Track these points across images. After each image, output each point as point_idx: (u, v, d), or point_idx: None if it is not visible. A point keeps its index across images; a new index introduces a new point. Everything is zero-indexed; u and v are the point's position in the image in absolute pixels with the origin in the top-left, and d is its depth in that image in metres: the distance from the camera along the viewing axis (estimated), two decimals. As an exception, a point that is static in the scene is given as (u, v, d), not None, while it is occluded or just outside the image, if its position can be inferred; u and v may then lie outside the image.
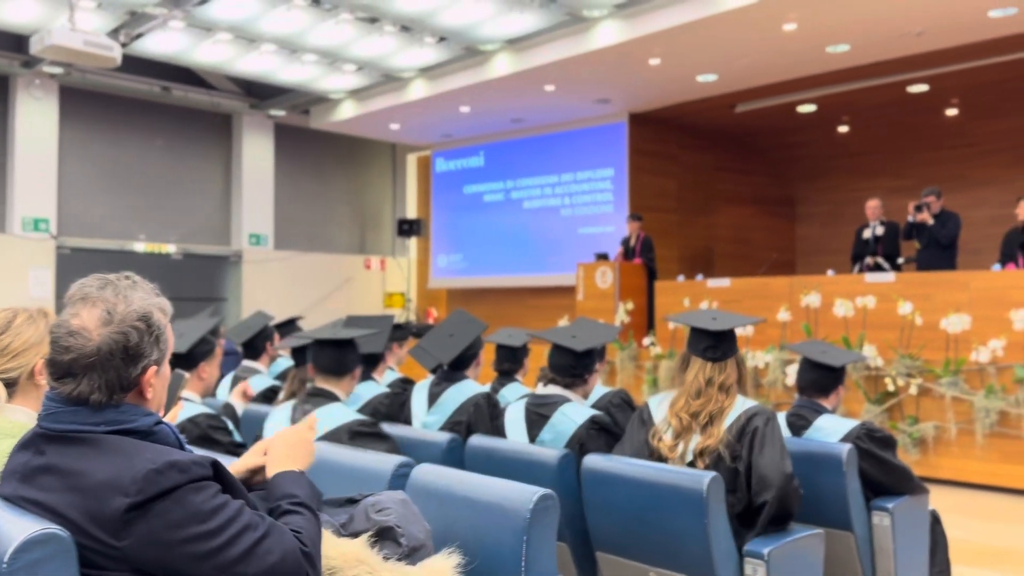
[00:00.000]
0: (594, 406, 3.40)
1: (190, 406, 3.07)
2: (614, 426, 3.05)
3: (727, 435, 2.65)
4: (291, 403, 3.15)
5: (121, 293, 1.52)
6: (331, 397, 3.03)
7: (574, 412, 3.05)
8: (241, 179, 12.73)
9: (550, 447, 3.02)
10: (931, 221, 7.86)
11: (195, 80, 11.88)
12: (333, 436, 2.81)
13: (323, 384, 3.09)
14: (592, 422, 3.00)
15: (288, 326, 5.15)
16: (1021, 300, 6.19)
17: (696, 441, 2.68)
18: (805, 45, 8.27)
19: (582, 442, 2.96)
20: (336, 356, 3.10)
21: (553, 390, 3.16)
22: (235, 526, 1.44)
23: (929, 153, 11.46)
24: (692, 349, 2.83)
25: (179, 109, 12.25)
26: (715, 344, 2.79)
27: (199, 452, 1.57)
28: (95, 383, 1.47)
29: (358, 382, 3.36)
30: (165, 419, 2.07)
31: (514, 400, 3.91)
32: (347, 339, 3.11)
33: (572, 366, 3.14)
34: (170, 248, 12.21)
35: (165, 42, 9.28)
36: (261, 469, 1.79)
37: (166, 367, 1.60)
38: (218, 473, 1.50)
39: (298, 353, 3.43)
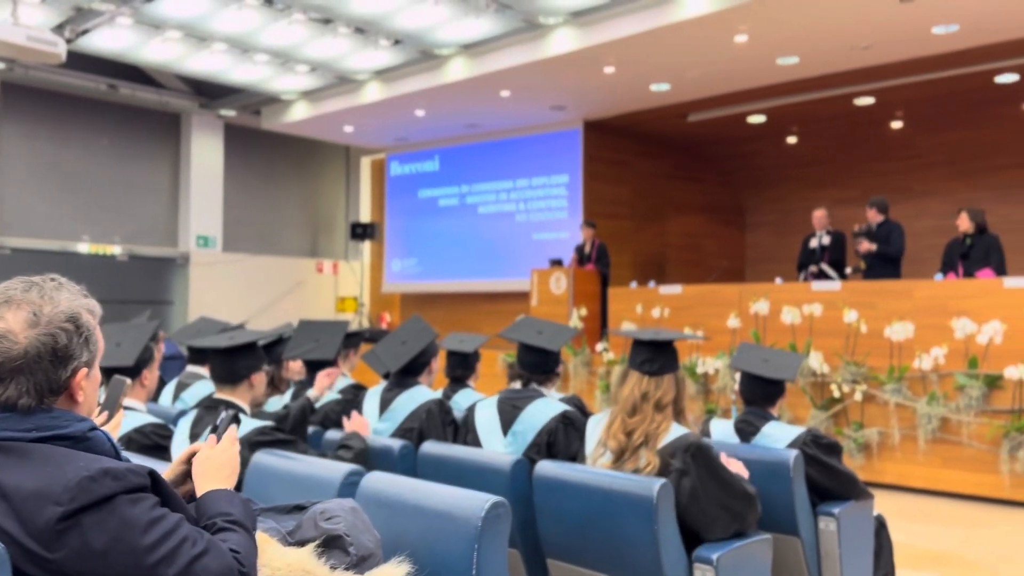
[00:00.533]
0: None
1: (135, 415, 2.97)
2: (582, 425, 3.08)
3: (658, 461, 2.59)
4: (192, 413, 2.98)
5: (47, 295, 1.47)
6: (229, 407, 2.80)
7: (547, 406, 3.13)
8: (189, 180, 12.50)
9: (522, 438, 3.05)
10: (873, 248, 8.05)
11: (143, 78, 11.65)
12: None
13: (220, 394, 2.92)
14: (564, 416, 3.06)
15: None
16: (962, 309, 6.37)
17: (639, 463, 2.62)
18: (756, 56, 8.42)
19: (552, 434, 3.00)
20: (226, 363, 2.89)
21: (526, 386, 3.23)
22: (173, 540, 1.40)
23: (875, 164, 11.75)
24: (630, 362, 2.79)
25: (126, 108, 11.99)
26: (652, 357, 2.74)
27: (138, 461, 1.53)
28: (23, 387, 1.42)
29: (266, 388, 3.30)
30: (108, 428, 2.01)
31: (468, 404, 3.92)
32: (235, 346, 2.88)
33: (544, 363, 3.24)
34: (115, 249, 11.94)
35: (112, 39, 9.08)
36: (187, 479, 1.74)
37: (96, 370, 1.55)
38: (155, 483, 1.45)
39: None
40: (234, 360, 2.89)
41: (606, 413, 2.81)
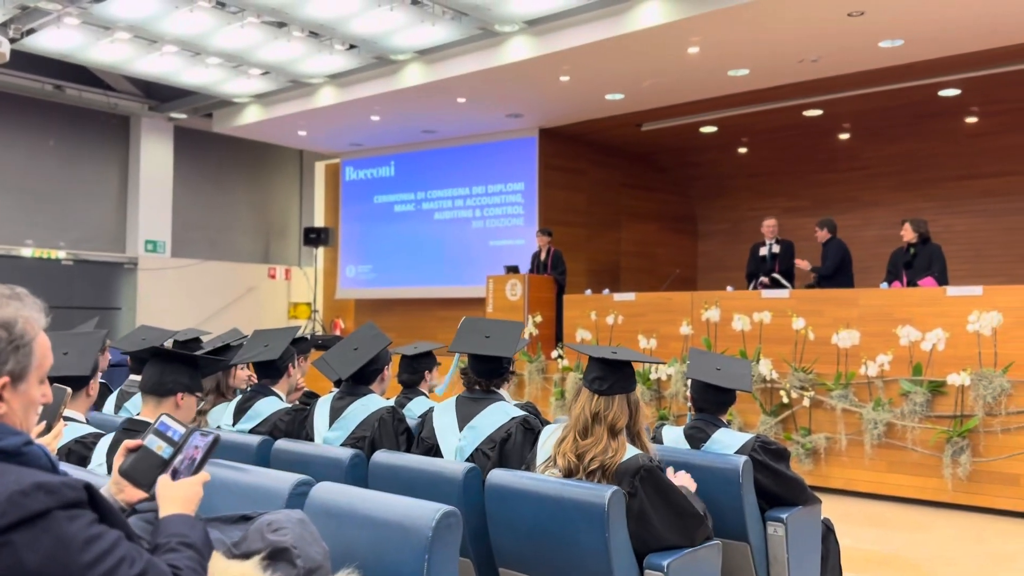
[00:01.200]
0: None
1: (76, 426, 2.86)
2: (540, 433, 3.08)
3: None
4: (109, 438, 2.70)
5: None
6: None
7: (507, 408, 3.14)
8: (138, 183, 12.25)
9: (478, 433, 3.05)
10: (808, 267, 8.55)
11: (91, 79, 11.39)
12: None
13: (144, 413, 2.63)
14: (524, 421, 3.08)
15: (193, 343, 4.92)
16: (906, 317, 6.52)
17: None
18: (708, 68, 8.54)
19: (509, 434, 3.02)
20: (158, 373, 2.62)
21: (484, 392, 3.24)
22: (110, 560, 1.35)
23: (822, 175, 11.99)
24: (584, 379, 2.74)
25: (73, 109, 11.72)
26: (603, 376, 2.66)
27: (79, 474, 1.48)
28: None
29: (212, 396, 3.22)
30: (47, 439, 1.94)
31: (421, 412, 3.89)
32: (174, 353, 2.62)
33: (496, 368, 3.23)
34: (60, 254, 11.64)
35: (59, 39, 8.86)
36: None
37: (32, 385, 1.48)
38: (92, 497, 1.40)
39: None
40: (164, 373, 2.61)
41: (560, 425, 2.77)
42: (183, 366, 2.65)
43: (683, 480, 2.79)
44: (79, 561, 1.32)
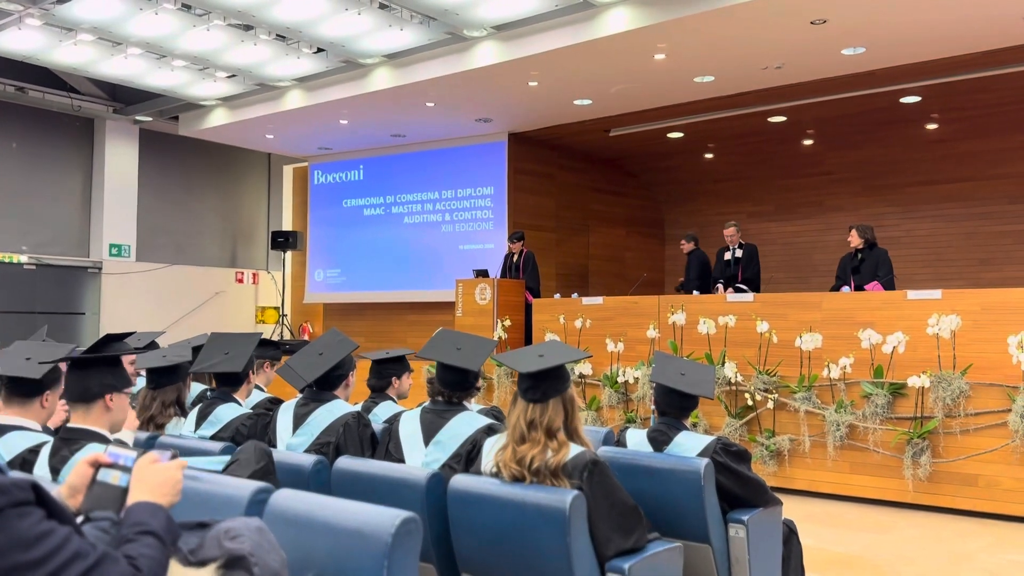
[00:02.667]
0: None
1: (28, 435, 2.74)
2: None
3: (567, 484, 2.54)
4: (49, 444, 2.57)
5: None
6: (91, 436, 2.48)
7: (472, 419, 3.12)
8: (103, 186, 12.08)
9: (444, 448, 3.03)
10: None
11: (54, 81, 11.22)
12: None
13: (76, 420, 2.51)
14: (490, 428, 3.06)
15: (151, 347, 4.86)
16: (868, 320, 6.62)
17: None
18: (674, 74, 8.61)
19: (476, 445, 3.00)
20: (80, 380, 2.50)
21: (448, 402, 3.22)
22: (62, 555, 1.34)
23: (787, 180, 12.14)
24: (517, 388, 2.72)
25: (36, 111, 11.53)
26: (534, 385, 2.65)
27: (19, 476, 1.46)
28: None
29: (170, 409, 3.17)
30: None
31: (388, 417, 3.87)
32: (86, 359, 2.51)
33: (463, 380, 3.22)
34: (22, 258, 11.44)
35: (20, 40, 8.72)
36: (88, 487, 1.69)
37: None
38: (40, 497, 1.39)
39: (154, 374, 3.25)
40: (87, 376, 2.48)
41: (502, 436, 2.75)
42: (104, 367, 2.52)
43: None
44: (29, 557, 1.31)
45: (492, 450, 2.76)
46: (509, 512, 2.55)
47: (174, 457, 1.77)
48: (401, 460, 3.13)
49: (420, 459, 3.08)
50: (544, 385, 2.65)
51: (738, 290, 8.68)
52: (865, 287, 7.51)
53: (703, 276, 9.66)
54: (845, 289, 7.76)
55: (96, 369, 2.52)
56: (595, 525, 2.53)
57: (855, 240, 8.10)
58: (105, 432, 2.55)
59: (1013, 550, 5.26)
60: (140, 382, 4.37)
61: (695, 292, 8.94)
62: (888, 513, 6.20)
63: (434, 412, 3.16)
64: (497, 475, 2.66)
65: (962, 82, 8.75)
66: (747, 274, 9.01)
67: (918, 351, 6.29)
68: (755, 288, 8.87)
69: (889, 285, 7.68)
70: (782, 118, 10.37)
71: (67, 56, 9.20)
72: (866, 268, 7.97)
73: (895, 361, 6.36)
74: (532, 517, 2.50)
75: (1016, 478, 5.87)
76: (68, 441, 2.50)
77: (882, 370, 6.41)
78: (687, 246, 10.01)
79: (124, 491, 1.70)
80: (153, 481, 1.67)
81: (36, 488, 1.38)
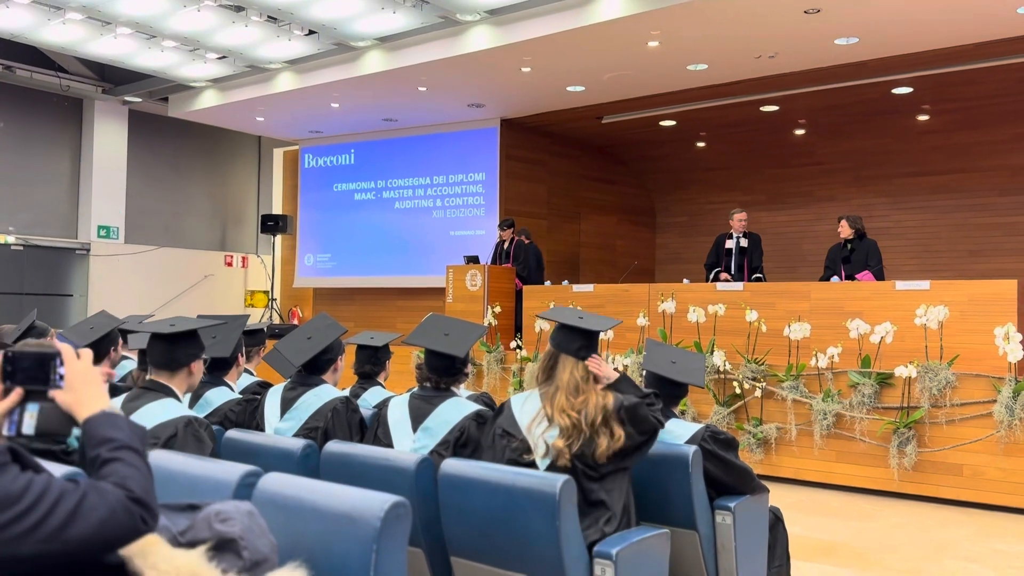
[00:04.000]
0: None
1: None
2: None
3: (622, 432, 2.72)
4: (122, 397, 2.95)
5: None
6: (165, 391, 2.88)
7: (460, 405, 3.13)
8: (91, 167, 11.98)
9: (432, 435, 3.03)
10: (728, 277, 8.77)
11: (43, 60, 11.10)
12: (162, 429, 2.70)
13: (156, 377, 2.94)
14: (478, 415, 3.06)
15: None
16: (856, 310, 6.66)
17: (595, 444, 2.68)
18: (668, 62, 8.59)
19: (464, 431, 3.00)
20: (166, 350, 2.92)
21: (436, 388, 3.22)
22: (49, 497, 1.37)
23: (778, 170, 12.16)
24: (561, 347, 2.88)
25: (24, 90, 11.41)
26: (587, 344, 2.86)
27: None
28: None
29: (203, 384, 3.21)
30: None
31: (377, 403, 3.87)
32: (176, 333, 2.94)
33: (451, 367, 3.22)
34: (10, 239, 11.35)
35: (8, 18, 8.62)
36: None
37: None
38: (15, 456, 1.43)
39: (144, 355, 3.23)
40: (175, 348, 2.92)
41: (533, 393, 2.90)
42: (189, 339, 2.98)
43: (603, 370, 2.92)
44: (19, 509, 1.35)
45: (527, 404, 2.86)
46: (499, 497, 2.56)
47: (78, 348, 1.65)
48: (390, 446, 3.13)
49: (408, 445, 3.09)
50: (592, 343, 2.89)
51: (754, 280, 8.59)
52: (856, 276, 7.55)
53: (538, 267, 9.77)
54: (835, 279, 7.80)
55: (184, 342, 2.91)
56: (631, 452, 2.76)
57: (845, 231, 8.13)
58: (179, 393, 2.89)
59: (996, 539, 5.32)
60: (127, 365, 4.35)
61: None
62: (873, 502, 6.25)
63: (422, 398, 3.16)
64: (542, 424, 2.78)
65: (954, 74, 8.78)
66: (757, 262, 8.95)
67: (906, 341, 6.34)
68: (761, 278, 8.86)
69: (879, 275, 7.72)
70: (774, 107, 10.38)
71: (55, 35, 9.11)
72: (856, 258, 8.01)
73: (883, 351, 6.40)
74: (522, 502, 2.51)
75: (1000, 468, 5.93)
76: (147, 391, 2.86)
77: (869, 360, 6.45)
78: (505, 233, 10.05)
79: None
80: (90, 388, 1.58)
81: (12, 450, 1.42)
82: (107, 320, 4.10)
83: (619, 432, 2.70)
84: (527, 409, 2.84)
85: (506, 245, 10.11)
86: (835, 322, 6.67)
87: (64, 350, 1.61)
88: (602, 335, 7.62)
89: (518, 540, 2.55)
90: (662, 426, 2.85)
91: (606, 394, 2.79)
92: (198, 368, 2.96)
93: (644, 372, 3.46)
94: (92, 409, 1.57)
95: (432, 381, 3.21)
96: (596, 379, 2.83)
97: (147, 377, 2.95)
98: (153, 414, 2.74)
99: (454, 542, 2.76)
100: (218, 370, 3.66)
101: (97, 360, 4.02)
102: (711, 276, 9.03)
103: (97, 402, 1.58)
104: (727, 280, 8.69)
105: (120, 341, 4.07)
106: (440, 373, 3.20)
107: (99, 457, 1.51)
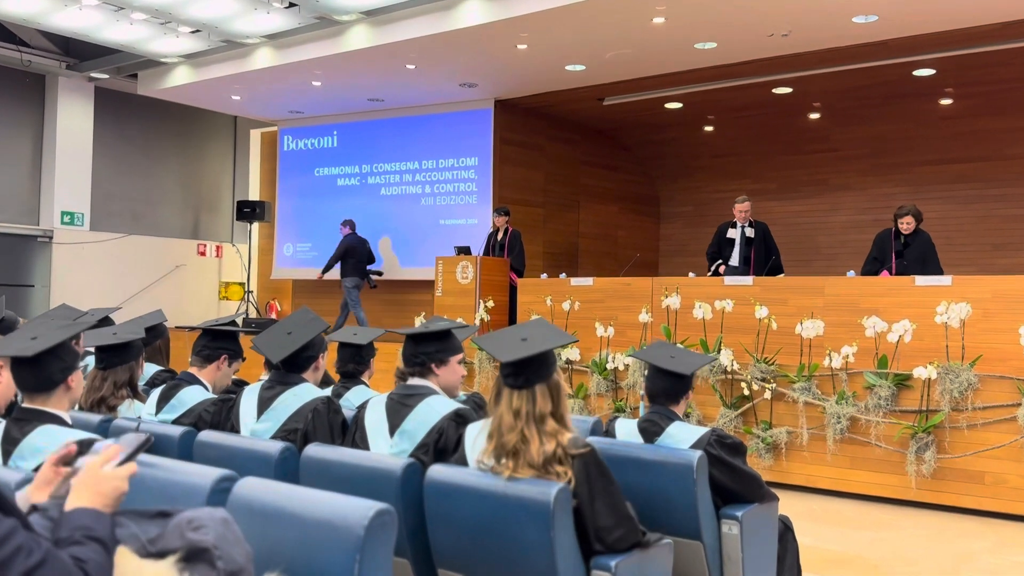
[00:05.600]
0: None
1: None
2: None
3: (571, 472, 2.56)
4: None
5: None
6: (43, 418, 2.55)
7: (439, 403, 3.10)
8: (54, 149, 11.94)
9: (410, 438, 3.03)
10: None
11: (2, 33, 11.03)
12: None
13: (31, 403, 2.58)
14: (456, 414, 3.03)
15: (103, 324, 4.82)
16: (873, 307, 6.67)
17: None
18: (674, 40, 8.59)
19: (443, 433, 2.99)
20: (34, 372, 2.54)
21: (418, 381, 3.19)
22: (6, 549, 1.37)
23: (790, 156, 12.17)
24: (500, 376, 2.72)
25: (-19, 65, 11.36)
26: (518, 372, 2.65)
27: None
28: None
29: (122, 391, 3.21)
30: None
31: (361, 403, 3.87)
32: (38, 355, 2.52)
33: (431, 351, 3.19)
34: (-35, 225, 11.32)
35: (-36, -14, 8.57)
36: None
37: None
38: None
39: (105, 353, 3.23)
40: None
41: (485, 424, 2.75)
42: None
43: None
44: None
45: (475, 441, 2.77)
46: (490, 505, 2.57)
47: (148, 440, 1.80)
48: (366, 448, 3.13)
49: (385, 450, 3.08)
50: (528, 371, 2.65)
51: (772, 273, 8.46)
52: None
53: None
54: (885, 273, 7.64)
55: (51, 357, 2.54)
56: (595, 512, 2.55)
57: (910, 227, 7.75)
58: (64, 415, 2.60)
59: (1018, 551, 5.35)
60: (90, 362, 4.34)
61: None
62: (889, 511, 6.28)
63: (399, 399, 3.15)
64: (482, 468, 2.68)
65: (979, 55, 8.78)
66: (774, 253, 8.82)
67: (925, 340, 6.36)
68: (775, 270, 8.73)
69: (938, 271, 7.50)
70: (787, 90, 10.38)
71: (16, 6, 9.05)
72: (911, 254, 7.71)
73: (900, 351, 6.42)
74: (514, 510, 2.51)
75: (1024, 476, 5.97)
76: (19, 421, 2.54)
77: (886, 360, 6.47)
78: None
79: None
80: (98, 489, 1.70)
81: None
82: (59, 329, 4.07)
83: (565, 472, 2.53)
84: (477, 444, 2.75)
85: (500, 236, 10.10)
86: (850, 319, 6.69)
87: (104, 456, 1.76)
88: (601, 332, 7.69)
89: (510, 551, 2.55)
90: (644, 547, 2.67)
91: (556, 433, 2.60)
92: (77, 381, 2.64)
93: (646, 372, 3.46)
94: (84, 503, 1.67)
95: (408, 375, 3.21)
96: (542, 416, 2.60)
97: (20, 404, 2.63)
98: (36, 447, 2.49)
99: (441, 552, 2.77)
100: (194, 367, 3.67)
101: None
102: (712, 268, 9.00)
103: (95, 500, 1.69)
104: (725, 272, 8.64)
105: (81, 335, 4.05)
106: (416, 362, 3.18)
107: (70, 537, 1.57)
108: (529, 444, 2.58)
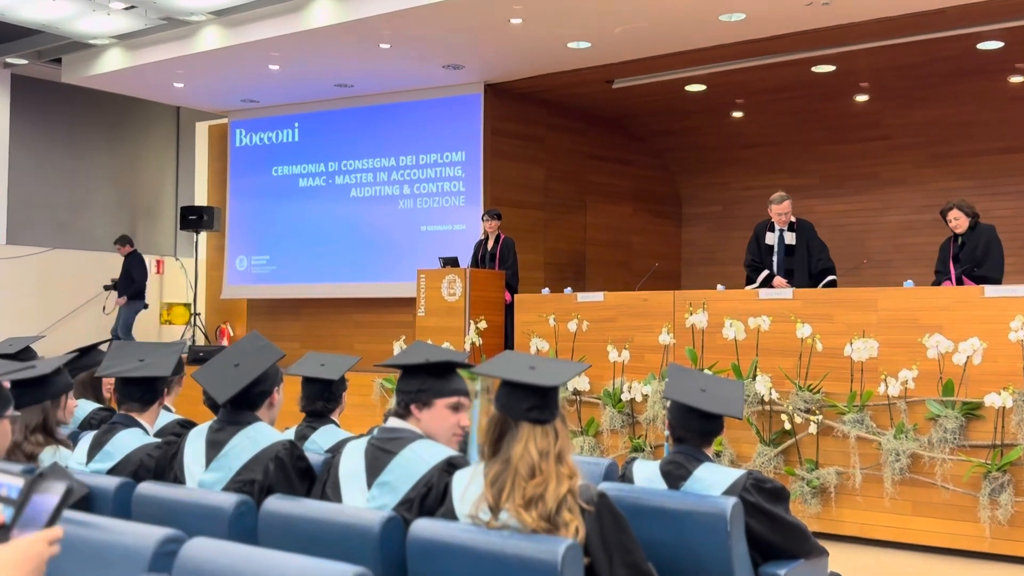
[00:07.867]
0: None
1: None
2: None
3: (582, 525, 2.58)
4: None
5: None
6: None
7: (426, 450, 3.05)
8: (-37, 148, 11.95)
9: (392, 492, 3.01)
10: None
11: (-101, 12, 11.07)
12: None
13: None
14: (449, 464, 3.00)
15: (23, 356, 4.80)
16: (935, 323, 6.66)
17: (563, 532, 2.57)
18: (695, 11, 8.63)
19: (430, 488, 2.96)
20: None
21: (398, 424, 3.15)
22: None
23: (834, 146, 12.22)
24: (511, 411, 2.70)
25: None
26: (543, 404, 2.68)
27: None
28: None
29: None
30: None
31: (331, 445, 3.85)
32: None
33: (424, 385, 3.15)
34: None
35: None
36: None
37: None
38: None
39: (15, 390, 3.21)
40: None
41: (477, 470, 2.75)
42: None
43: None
44: None
45: (466, 491, 2.75)
46: (486, 567, 2.56)
47: (69, 491, 1.78)
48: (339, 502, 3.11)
49: (362, 504, 3.05)
50: (552, 402, 2.70)
51: (821, 283, 8.27)
52: (964, 280, 7.17)
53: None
54: (947, 284, 7.64)
55: None
56: (612, 573, 2.58)
57: (961, 224, 7.75)
58: None
59: (1113, 611, 5.34)
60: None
61: None
62: (959, 564, 6.27)
63: (380, 444, 3.11)
64: (477, 523, 2.66)
65: (1055, 24, 8.84)
66: (824, 264, 8.41)
67: (998, 362, 6.36)
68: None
69: (992, 276, 7.41)
70: (829, 68, 10.43)
71: (-83, -20, 9.10)
72: (966, 255, 7.72)
73: (969, 375, 6.42)
74: (514, 573, 2.51)
75: (1118, 521, 5.96)
76: None
77: (952, 386, 6.47)
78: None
79: (6, 528, 1.74)
80: (15, 559, 1.70)
81: None
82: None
83: (574, 522, 2.56)
84: (468, 496, 2.74)
85: (490, 244, 10.12)
86: (909, 338, 6.69)
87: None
88: (614, 357, 7.69)
89: (511, 620, 2.55)
90: None
91: (572, 475, 2.64)
92: (4, 428, 2.63)
93: (667, 404, 3.46)
94: None
95: (399, 414, 3.17)
96: (562, 456, 2.64)
97: None
98: None
99: (429, 623, 2.76)
100: (135, 405, 3.65)
101: None
102: (759, 281, 8.56)
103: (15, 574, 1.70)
104: (783, 285, 8.20)
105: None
106: (408, 400, 3.15)
107: None
108: (546, 489, 2.60)
